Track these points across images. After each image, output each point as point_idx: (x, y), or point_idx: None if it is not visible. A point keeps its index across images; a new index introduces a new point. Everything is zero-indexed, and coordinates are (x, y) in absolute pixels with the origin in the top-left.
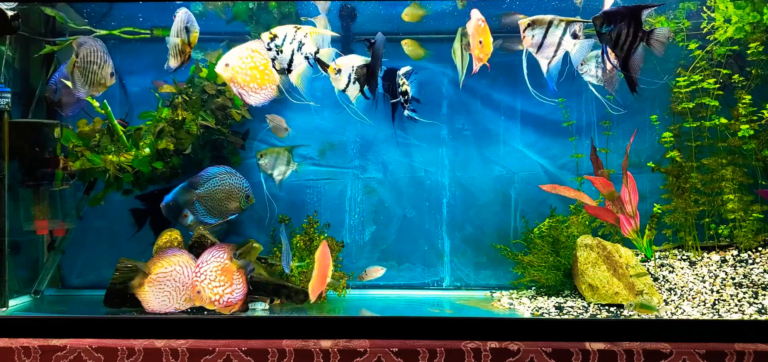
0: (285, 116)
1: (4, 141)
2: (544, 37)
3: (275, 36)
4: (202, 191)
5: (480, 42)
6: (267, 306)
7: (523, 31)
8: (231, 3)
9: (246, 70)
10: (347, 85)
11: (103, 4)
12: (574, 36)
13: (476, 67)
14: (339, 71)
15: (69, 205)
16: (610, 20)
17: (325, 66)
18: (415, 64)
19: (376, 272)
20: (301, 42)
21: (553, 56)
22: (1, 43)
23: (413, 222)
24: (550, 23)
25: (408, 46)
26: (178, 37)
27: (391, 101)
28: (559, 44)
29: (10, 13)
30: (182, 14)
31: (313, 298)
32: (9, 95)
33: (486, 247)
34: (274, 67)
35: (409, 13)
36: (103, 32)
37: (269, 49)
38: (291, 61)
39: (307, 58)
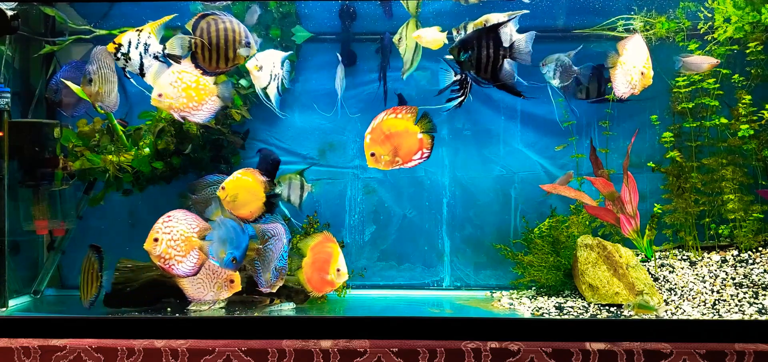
0: (284, 117)
1: (4, 141)
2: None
3: (120, 45)
4: (198, 196)
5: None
6: (293, 306)
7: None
8: (231, 3)
9: (180, 93)
10: (269, 83)
11: (104, 4)
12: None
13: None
14: (260, 68)
15: (69, 205)
16: (467, 47)
17: (177, 58)
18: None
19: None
20: (146, 44)
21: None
22: (1, 43)
23: (413, 222)
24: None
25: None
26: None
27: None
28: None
29: (10, 13)
30: (238, 27)
31: (310, 288)
32: (9, 95)
33: (486, 247)
34: (125, 73)
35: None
36: (103, 32)
37: (117, 59)
38: (141, 64)
39: (156, 57)
